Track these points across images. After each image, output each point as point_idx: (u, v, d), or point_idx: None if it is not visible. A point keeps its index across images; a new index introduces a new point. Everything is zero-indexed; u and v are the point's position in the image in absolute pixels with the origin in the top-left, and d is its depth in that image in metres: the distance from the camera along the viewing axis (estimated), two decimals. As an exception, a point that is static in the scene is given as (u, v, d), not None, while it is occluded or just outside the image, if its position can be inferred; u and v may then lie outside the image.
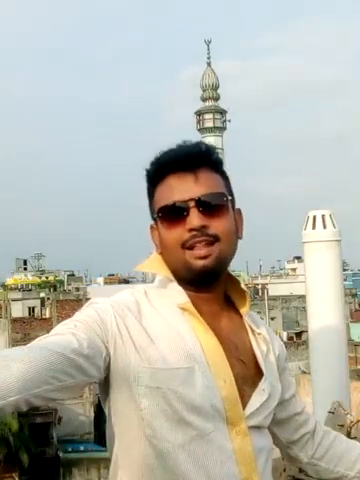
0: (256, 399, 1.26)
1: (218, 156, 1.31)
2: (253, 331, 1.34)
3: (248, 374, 1.27)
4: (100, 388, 1.28)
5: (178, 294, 1.27)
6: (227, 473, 1.19)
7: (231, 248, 1.28)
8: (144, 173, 1.32)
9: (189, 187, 1.24)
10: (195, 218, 1.22)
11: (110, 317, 1.22)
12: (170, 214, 1.25)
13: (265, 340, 1.35)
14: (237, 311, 1.36)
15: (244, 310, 1.34)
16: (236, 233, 1.31)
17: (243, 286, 1.34)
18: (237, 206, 1.36)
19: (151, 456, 1.19)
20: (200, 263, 1.22)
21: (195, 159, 1.26)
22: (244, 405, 1.24)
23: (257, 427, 1.26)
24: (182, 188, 1.24)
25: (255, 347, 1.32)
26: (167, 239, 1.26)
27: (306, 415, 1.50)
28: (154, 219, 1.32)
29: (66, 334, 1.17)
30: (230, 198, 1.29)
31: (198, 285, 1.28)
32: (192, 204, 1.23)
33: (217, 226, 1.24)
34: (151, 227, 1.33)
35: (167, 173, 1.27)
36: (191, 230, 1.22)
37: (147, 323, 1.23)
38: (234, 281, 1.36)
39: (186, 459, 1.17)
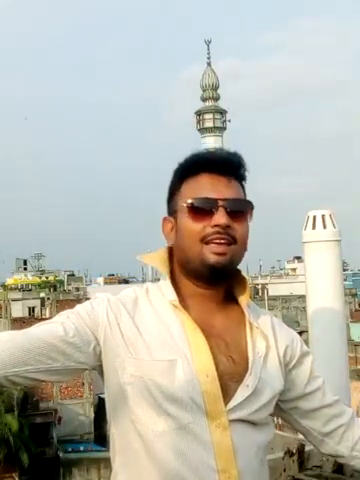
0: (239, 394, 1.29)
1: (246, 172, 1.39)
2: (252, 326, 1.37)
3: (236, 370, 1.31)
4: (99, 375, 1.37)
5: (169, 291, 1.34)
6: (204, 463, 1.24)
7: (243, 253, 1.35)
8: (176, 167, 1.38)
9: (221, 188, 1.32)
10: (223, 216, 1.29)
11: (102, 310, 1.32)
12: (199, 207, 1.31)
13: (263, 335, 1.37)
14: (239, 305, 1.40)
15: (244, 300, 1.38)
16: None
17: (243, 274, 1.40)
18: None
19: (137, 441, 1.28)
20: (215, 259, 1.29)
21: (232, 167, 1.35)
22: (229, 400, 1.28)
23: (244, 421, 1.30)
24: (215, 188, 1.32)
25: (249, 343, 1.35)
26: (189, 230, 1.32)
27: (339, 409, 1.49)
28: (172, 212, 1.37)
29: (56, 323, 1.30)
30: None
31: (206, 280, 1.33)
32: (222, 203, 1.30)
33: (238, 230, 1.32)
34: (164, 219, 1.39)
35: (201, 171, 1.33)
36: (216, 226, 1.29)
37: (140, 318, 1.32)
38: (237, 273, 1.41)
39: (166, 446, 1.25)
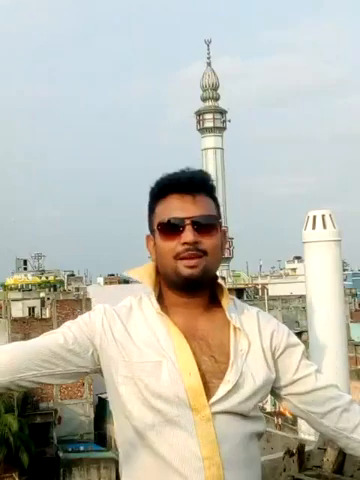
0: (221, 389, 1.42)
1: (213, 183, 1.53)
2: (235, 327, 1.49)
3: (218, 368, 1.44)
4: (102, 377, 1.54)
5: (154, 301, 1.50)
6: (190, 452, 1.39)
7: (216, 262, 1.49)
8: (149, 190, 1.52)
9: (188, 207, 1.45)
10: (190, 234, 1.42)
11: (98, 320, 1.50)
12: (168, 228, 1.45)
13: (245, 333, 1.49)
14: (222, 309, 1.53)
15: (224, 304, 1.51)
16: (221, 250, 1.51)
17: (220, 282, 1.53)
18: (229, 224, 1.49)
19: (132, 434, 1.45)
20: (188, 271, 1.43)
21: (196, 184, 1.46)
22: (212, 395, 1.41)
23: (229, 412, 1.42)
24: (182, 207, 1.45)
25: (232, 342, 1.48)
26: (163, 249, 1.46)
27: (334, 392, 1.56)
28: (151, 230, 1.52)
29: (58, 333, 1.50)
30: (220, 221, 1.51)
31: (184, 290, 1.48)
32: (188, 222, 1.43)
33: (207, 243, 1.44)
34: (147, 237, 1.54)
35: (169, 192, 1.47)
36: (185, 244, 1.42)
37: (132, 324, 1.49)
38: (218, 283, 1.55)
39: (156, 438, 1.41)
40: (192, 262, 1.42)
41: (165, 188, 1.48)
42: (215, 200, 1.52)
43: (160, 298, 1.52)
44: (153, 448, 1.41)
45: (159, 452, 1.40)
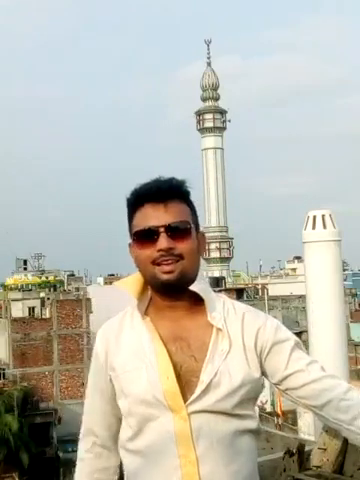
0: (198, 388, 1.48)
1: (186, 189, 1.57)
2: (218, 329, 1.54)
3: (197, 368, 1.50)
4: None
5: (137, 311, 1.59)
6: (168, 450, 1.48)
7: (193, 265, 1.54)
8: (126, 201, 1.58)
9: (160, 215, 1.51)
10: (164, 241, 1.49)
11: (100, 350, 1.62)
12: (144, 237, 1.52)
13: (227, 334, 1.53)
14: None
15: (206, 305, 1.56)
16: (198, 252, 1.57)
17: (196, 289, 1.54)
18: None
19: (128, 437, 1.56)
20: (165, 277, 1.50)
21: (165, 192, 1.52)
22: (191, 394, 1.48)
23: (206, 411, 1.48)
24: (155, 216, 1.51)
25: (212, 344, 1.52)
26: (141, 257, 1.53)
27: (328, 383, 1.56)
28: (132, 239, 1.58)
29: (85, 436, 1.69)
30: (193, 226, 1.55)
31: (165, 294, 1.55)
32: (162, 230, 1.50)
33: (181, 248, 1.51)
34: (129, 244, 1.59)
35: (143, 202, 1.53)
36: (160, 250, 1.49)
37: (122, 336, 1.59)
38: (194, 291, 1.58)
39: (142, 439, 1.52)
40: (168, 268, 1.49)
41: (138, 198, 1.54)
42: (190, 205, 1.57)
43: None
44: (141, 447, 1.51)
45: (144, 452, 1.51)
